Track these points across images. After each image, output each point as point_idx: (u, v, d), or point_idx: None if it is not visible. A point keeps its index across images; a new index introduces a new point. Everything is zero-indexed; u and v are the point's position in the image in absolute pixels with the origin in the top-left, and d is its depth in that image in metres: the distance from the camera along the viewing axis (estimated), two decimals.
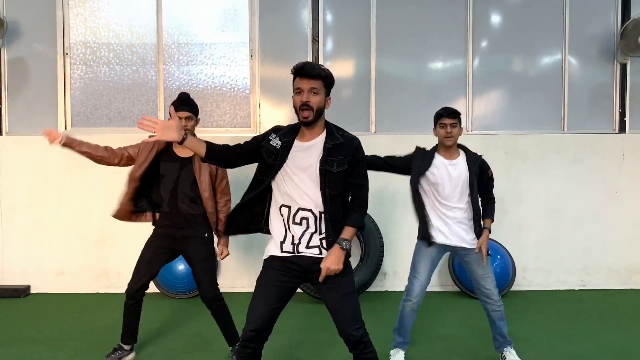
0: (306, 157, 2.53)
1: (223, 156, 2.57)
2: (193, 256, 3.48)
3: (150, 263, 3.48)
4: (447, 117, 3.46)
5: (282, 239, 2.52)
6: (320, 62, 5.56)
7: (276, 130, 2.65)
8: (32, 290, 5.48)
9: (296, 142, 2.57)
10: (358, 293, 4.85)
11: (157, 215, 3.64)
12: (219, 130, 5.60)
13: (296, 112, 2.55)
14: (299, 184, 2.49)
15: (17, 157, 5.47)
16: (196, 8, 5.65)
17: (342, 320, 2.52)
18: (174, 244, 3.49)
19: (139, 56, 5.61)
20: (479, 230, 3.51)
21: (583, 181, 5.63)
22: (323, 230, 2.50)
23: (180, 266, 5.19)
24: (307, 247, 2.49)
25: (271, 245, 2.57)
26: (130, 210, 3.57)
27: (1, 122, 5.52)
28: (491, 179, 3.65)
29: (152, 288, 5.27)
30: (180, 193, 3.45)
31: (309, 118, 2.51)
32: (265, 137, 2.62)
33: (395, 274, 5.50)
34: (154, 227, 3.65)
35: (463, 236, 3.49)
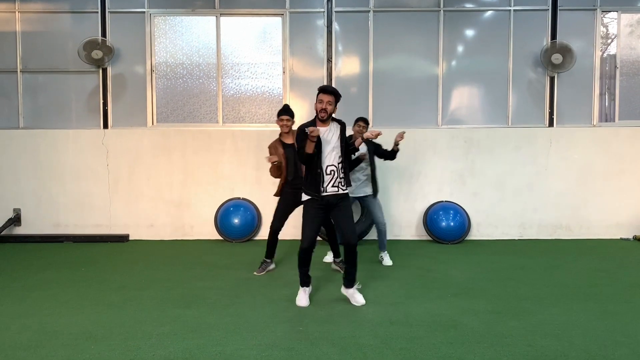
0: (328, 136, 4.55)
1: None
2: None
3: (284, 210, 5.63)
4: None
5: (319, 186, 4.53)
6: (333, 76, 7.74)
7: (306, 126, 4.41)
8: (131, 238, 7.75)
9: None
10: (358, 239, 7.00)
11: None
12: (260, 125, 7.81)
13: (316, 112, 4.47)
14: (328, 152, 4.52)
15: (119, 144, 7.73)
16: (245, 38, 7.84)
17: (347, 231, 4.59)
18: (296, 198, 5.36)
19: (204, 72, 7.83)
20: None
21: (521, 162, 7.77)
22: (341, 176, 4.56)
23: (235, 220, 7.43)
24: (332, 186, 4.55)
25: (311, 192, 4.69)
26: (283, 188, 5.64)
27: (107, 119, 7.78)
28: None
29: (216, 235, 7.52)
30: (297, 165, 5.50)
31: (324, 117, 4.45)
32: (302, 133, 4.39)
33: None
34: (281, 192, 5.58)
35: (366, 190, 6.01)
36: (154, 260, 6.44)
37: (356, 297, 4.64)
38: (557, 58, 7.49)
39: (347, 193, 4.64)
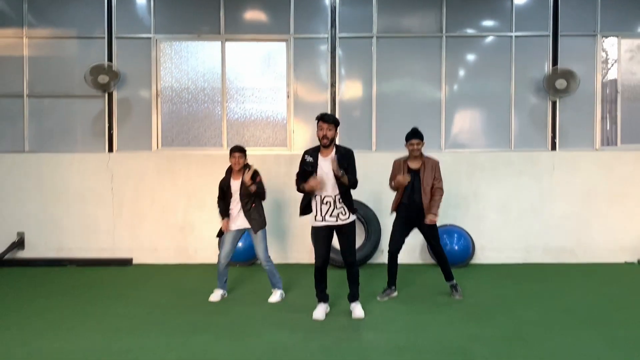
0: (326, 165, 4.77)
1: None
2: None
3: (400, 232, 5.76)
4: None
5: (316, 214, 4.82)
6: (336, 100, 7.81)
7: (306, 152, 4.90)
8: (134, 262, 7.71)
9: (320, 157, 4.84)
10: (362, 264, 7.02)
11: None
12: (264, 149, 7.85)
13: (319, 139, 4.79)
14: (325, 182, 4.73)
15: (124, 168, 7.75)
16: (250, 63, 7.94)
17: (345, 251, 4.90)
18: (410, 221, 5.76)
19: (209, 97, 7.91)
20: None
21: (525, 186, 7.78)
22: (338, 207, 4.76)
23: (239, 243, 7.38)
24: (330, 216, 4.77)
25: (313, 219, 4.87)
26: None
27: (112, 143, 7.82)
28: None
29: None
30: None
31: (327, 143, 4.76)
32: (303, 159, 4.86)
33: None
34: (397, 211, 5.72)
35: None
36: (157, 286, 6.41)
37: (356, 311, 4.97)
38: (561, 83, 7.54)
39: (348, 223, 4.84)
